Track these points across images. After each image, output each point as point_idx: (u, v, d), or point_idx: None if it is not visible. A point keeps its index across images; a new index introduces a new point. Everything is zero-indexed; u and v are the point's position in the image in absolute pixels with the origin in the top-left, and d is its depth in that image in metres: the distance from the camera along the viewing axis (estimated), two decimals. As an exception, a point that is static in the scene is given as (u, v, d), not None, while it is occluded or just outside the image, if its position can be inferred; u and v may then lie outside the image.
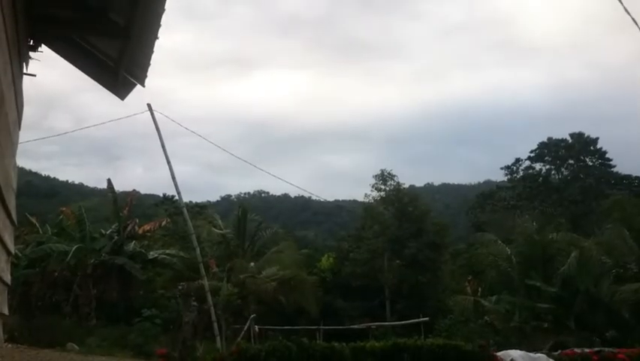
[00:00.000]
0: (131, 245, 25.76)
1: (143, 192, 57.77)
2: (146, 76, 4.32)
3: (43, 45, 4.36)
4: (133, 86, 4.54)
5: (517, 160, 50.80)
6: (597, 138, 48.83)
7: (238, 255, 24.68)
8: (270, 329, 21.46)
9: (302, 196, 74.08)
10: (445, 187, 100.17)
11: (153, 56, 4.02)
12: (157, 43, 3.84)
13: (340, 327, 22.81)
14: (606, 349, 14.19)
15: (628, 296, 19.05)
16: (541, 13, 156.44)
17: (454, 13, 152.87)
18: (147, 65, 4.17)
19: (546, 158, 49.83)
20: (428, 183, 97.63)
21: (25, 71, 4.26)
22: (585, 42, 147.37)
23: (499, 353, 12.81)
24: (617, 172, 47.76)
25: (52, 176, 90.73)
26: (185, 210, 18.69)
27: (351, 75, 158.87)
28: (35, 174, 79.24)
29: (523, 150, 62.22)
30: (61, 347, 17.76)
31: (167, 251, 26.52)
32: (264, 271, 23.18)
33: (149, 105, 16.24)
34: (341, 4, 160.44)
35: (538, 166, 50.20)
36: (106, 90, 4.67)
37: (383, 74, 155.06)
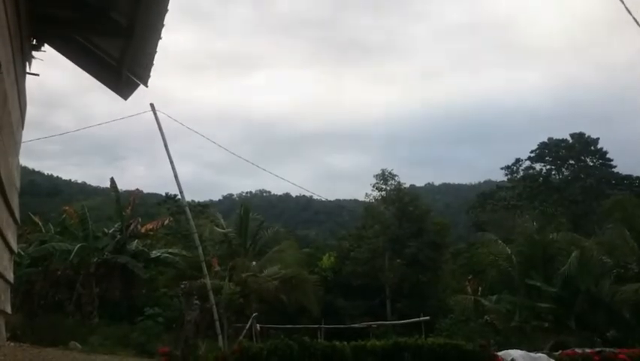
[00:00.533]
0: (134, 244, 25.82)
1: (145, 191, 57.80)
2: (149, 76, 4.35)
3: (46, 44, 4.39)
4: (136, 85, 4.57)
5: (518, 160, 50.83)
6: (598, 138, 48.87)
7: (240, 254, 24.71)
8: (272, 327, 21.51)
9: (303, 196, 74.27)
10: (446, 187, 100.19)
11: (156, 56, 4.05)
12: (160, 42, 3.87)
13: (341, 326, 22.85)
14: (607, 349, 14.20)
15: (629, 296, 19.04)
16: (542, 13, 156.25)
17: (455, 14, 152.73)
18: (150, 64, 4.20)
19: (546, 158, 49.81)
20: (429, 183, 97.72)
21: (28, 70, 4.30)
22: (586, 42, 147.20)
23: (499, 353, 12.83)
24: (617, 172, 47.73)
25: (55, 175, 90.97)
26: (187, 209, 18.72)
27: (352, 76, 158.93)
28: (38, 173, 79.34)
29: (524, 150, 62.16)
30: (63, 346, 17.81)
31: (170, 250, 26.58)
32: (265, 270, 23.21)
33: (152, 105, 16.26)
34: (343, 5, 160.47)
35: (538, 166, 50.23)
36: (109, 90, 4.71)
37: (384, 75, 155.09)
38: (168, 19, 3.50)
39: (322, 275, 30.46)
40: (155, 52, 3.98)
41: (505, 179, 51.78)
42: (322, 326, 22.16)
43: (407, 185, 38.03)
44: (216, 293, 18.01)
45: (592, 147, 48.68)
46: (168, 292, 25.21)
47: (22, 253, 21.94)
